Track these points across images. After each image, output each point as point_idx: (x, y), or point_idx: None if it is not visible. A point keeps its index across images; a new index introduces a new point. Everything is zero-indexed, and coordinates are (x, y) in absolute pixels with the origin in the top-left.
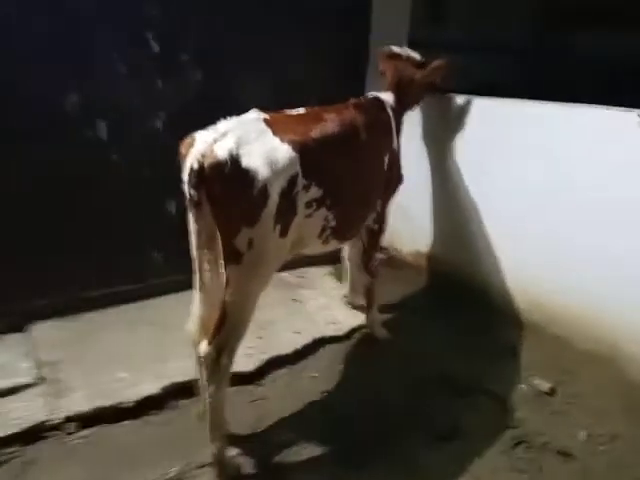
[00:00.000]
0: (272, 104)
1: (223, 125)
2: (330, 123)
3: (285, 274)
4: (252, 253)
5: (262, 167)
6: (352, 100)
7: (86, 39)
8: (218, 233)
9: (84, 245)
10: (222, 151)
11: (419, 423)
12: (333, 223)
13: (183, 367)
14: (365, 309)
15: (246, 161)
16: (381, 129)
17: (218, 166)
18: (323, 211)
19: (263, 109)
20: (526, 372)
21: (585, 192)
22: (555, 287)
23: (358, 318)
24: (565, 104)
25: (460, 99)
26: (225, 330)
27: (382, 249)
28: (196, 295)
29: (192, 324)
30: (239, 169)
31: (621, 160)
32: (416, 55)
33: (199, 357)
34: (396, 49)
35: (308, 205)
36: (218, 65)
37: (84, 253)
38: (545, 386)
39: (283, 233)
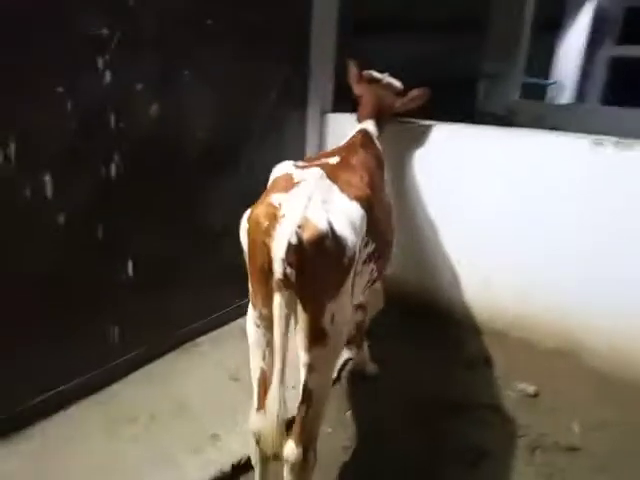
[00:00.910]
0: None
1: (284, 181)
2: (361, 172)
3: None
4: (334, 329)
5: (348, 231)
6: (355, 140)
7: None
8: (302, 314)
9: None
10: (321, 220)
11: (442, 452)
12: (375, 274)
13: None
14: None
15: (337, 227)
16: (381, 167)
17: (320, 238)
18: (371, 265)
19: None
20: (505, 378)
21: (537, 206)
22: (514, 293)
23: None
24: (520, 130)
25: (417, 125)
26: (310, 422)
27: None
28: (275, 390)
29: (265, 427)
30: (335, 238)
31: (576, 176)
32: (396, 82)
33: (290, 463)
34: (376, 74)
35: (364, 262)
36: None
37: (17, 346)
38: (530, 389)
39: (352, 298)
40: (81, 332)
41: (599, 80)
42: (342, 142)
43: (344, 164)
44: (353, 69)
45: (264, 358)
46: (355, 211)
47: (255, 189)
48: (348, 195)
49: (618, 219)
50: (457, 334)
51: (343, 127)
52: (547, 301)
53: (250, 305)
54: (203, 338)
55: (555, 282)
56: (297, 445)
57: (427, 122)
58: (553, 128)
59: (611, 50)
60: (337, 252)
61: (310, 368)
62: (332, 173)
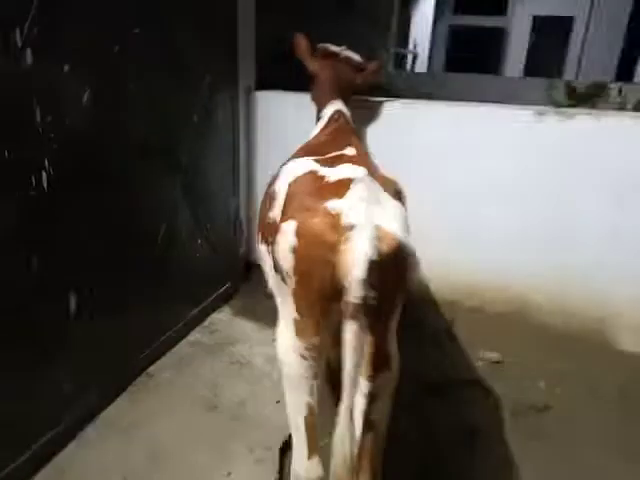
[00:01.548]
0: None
1: (317, 182)
2: (370, 163)
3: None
4: (395, 349)
5: (407, 237)
6: (341, 125)
7: None
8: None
9: None
10: (394, 228)
11: (435, 436)
12: None
13: None
14: None
15: (402, 234)
16: None
17: (398, 249)
18: None
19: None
20: (470, 349)
21: (485, 179)
22: (465, 265)
23: None
24: (469, 104)
25: (374, 102)
26: (376, 456)
27: None
28: (345, 429)
29: (335, 472)
30: (405, 246)
31: (518, 149)
32: (354, 55)
33: None
34: (333, 47)
35: None
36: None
37: None
38: (494, 356)
39: None
40: (22, 389)
41: (444, 48)
42: (316, 126)
43: (361, 156)
44: (303, 42)
45: (312, 393)
46: (402, 212)
47: (199, 188)
48: (392, 195)
49: (560, 185)
50: (416, 310)
51: (272, 106)
52: (493, 267)
53: (292, 334)
54: (161, 363)
55: (500, 248)
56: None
57: (378, 99)
58: (429, 97)
59: (451, 19)
60: (406, 263)
61: (373, 397)
62: (369, 171)
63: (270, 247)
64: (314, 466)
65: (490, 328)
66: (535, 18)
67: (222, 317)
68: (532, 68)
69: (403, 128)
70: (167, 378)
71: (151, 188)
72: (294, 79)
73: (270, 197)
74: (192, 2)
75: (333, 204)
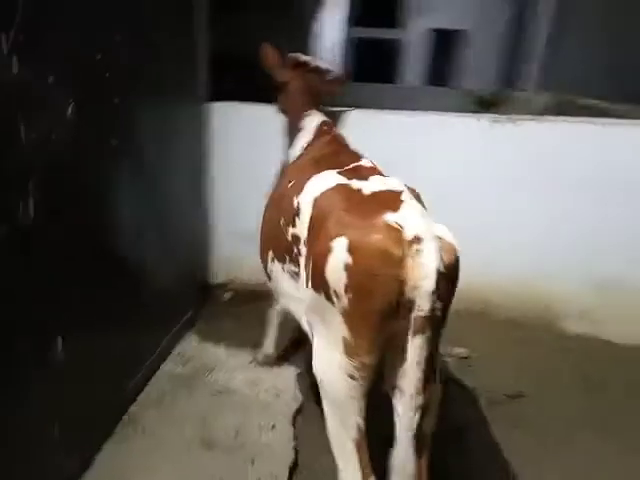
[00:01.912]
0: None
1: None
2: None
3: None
4: (439, 360)
5: None
6: (340, 136)
7: None
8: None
9: None
10: (452, 238)
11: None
12: None
13: None
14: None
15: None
16: None
17: (458, 259)
18: None
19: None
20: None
21: (446, 184)
22: None
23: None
24: (425, 113)
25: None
26: (429, 470)
27: (228, 290)
28: (409, 445)
29: None
30: (459, 257)
31: (478, 154)
32: (324, 64)
33: None
34: (303, 57)
35: None
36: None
37: None
38: (462, 352)
39: None
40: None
41: (350, 58)
42: (299, 138)
43: (377, 167)
44: (272, 52)
45: (360, 414)
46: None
47: (162, 208)
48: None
49: (514, 183)
50: None
51: (228, 118)
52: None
53: (340, 354)
54: (142, 402)
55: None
56: None
57: (345, 108)
58: (354, 105)
59: (354, 32)
60: (458, 272)
61: (425, 411)
62: None
63: (291, 265)
64: None
65: (456, 325)
66: (431, 31)
67: (191, 345)
68: (430, 78)
69: (358, 136)
70: (152, 418)
71: (121, 208)
72: (249, 90)
73: (286, 213)
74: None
75: (392, 218)
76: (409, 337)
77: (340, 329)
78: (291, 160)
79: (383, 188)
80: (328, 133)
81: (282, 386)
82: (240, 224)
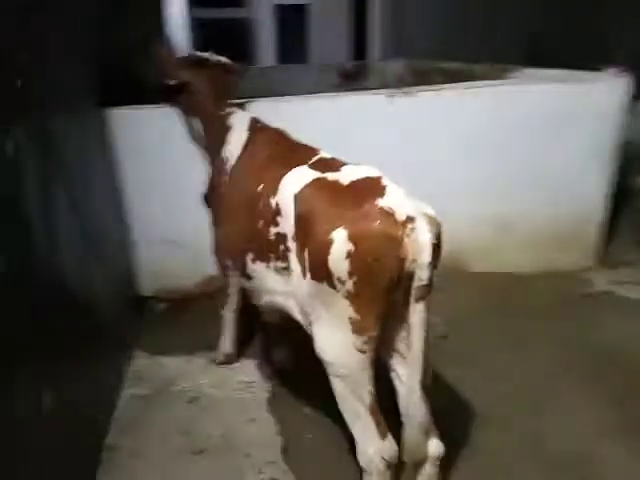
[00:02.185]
0: None
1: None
2: None
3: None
4: None
5: None
6: (283, 133)
7: None
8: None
9: None
10: (434, 214)
11: None
12: None
13: None
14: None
15: None
16: None
17: (441, 232)
18: None
19: None
20: None
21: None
22: None
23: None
24: (319, 96)
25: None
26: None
27: (161, 301)
28: (419, 398)
29: (410, 440)
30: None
31: (375, 130)
32: (224, 59)
33: (438, 458)
34: (202, 54)
35: None
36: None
37: None
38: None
39: None
40: None
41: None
42: (231, 137)
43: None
44: (165, 52)
45: (371, 381)
46: None
47: (88, 227)
48: None
49: (413, 151)
50: None
51: (130, 124)
52: None
53: (348, 333)
54: (116, 432)
55: None
56: (440, 439)
57: (243, 100)
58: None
59: (194, 13)
60: (441, 242)
61: (426, 365)
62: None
63: (278, 262)
64: (391, 444)
65: None
66: (277, 7)
67: (143, 362)
68: (283, 55)
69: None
70: (133, 442)
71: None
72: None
73: (264, 214)
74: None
75: (383, 203)
76: (411, 304)
77: (346, 311)
78: (232, 159)
79: (360, 176)
80: (267, 129)
81: (248, 379)
82: (162, 232)
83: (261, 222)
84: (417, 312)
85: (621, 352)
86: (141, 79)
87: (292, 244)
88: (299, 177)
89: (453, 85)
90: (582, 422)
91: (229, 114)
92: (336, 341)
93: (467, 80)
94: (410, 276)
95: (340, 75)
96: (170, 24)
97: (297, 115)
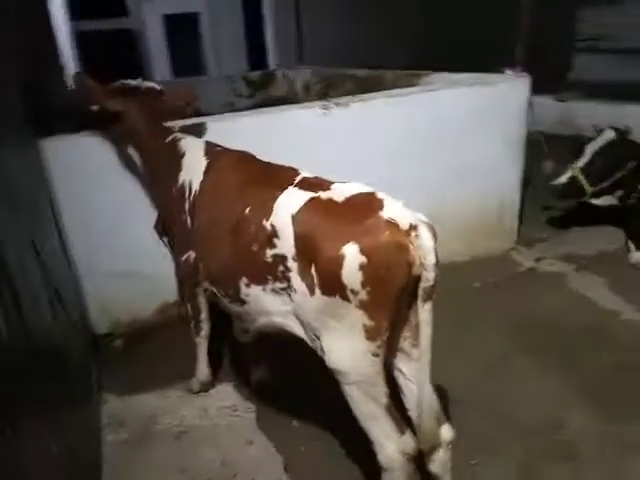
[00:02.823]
0: None
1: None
2: None
3: None
4: None
5: None
6: (249, 154)
7: None
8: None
9: None
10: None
11: None
12: None
13: None
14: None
15: None
16: None
17: (436, 235)
18: None
19: None
20: None
21: None
22: None
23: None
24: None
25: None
26: None
27: (118, 337)
28: (429, 390)
29: (425, 426)
30: None
31: (312, 142)
32: (154, 85)
33: (451, 442)
34: (132, 82)
35: None
36: None
37: None
38: None
39: None
40: None
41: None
42: (186, 162)
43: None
44: (92, 83)
45: (385, 382)
46: None
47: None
48: None
49: (348, 159)
50: None
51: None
52: None
53: (362, 340)
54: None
55: None
56: (450, 424)
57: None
58: None
59: (78, 26)
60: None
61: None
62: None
63: (277, 283)
64: (409, 438)
65: None
66: (166, 17)
67: (116, 405)
68: (177, 66)
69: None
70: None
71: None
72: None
73: (258, 238)
74: None
75: (385, 215)
76: (419, 304)
77: (359, 320)
78: (193, 185)
79: (353, 192)
80: (230, 152)
81: (230, 403)
82: (108, 263)
83: (255, 245)
84: (425, 311)
85: (557, 322)
86: (73, 109)
87: (293, 264)
88: (293, 198)
89: (380, 93)
90: (544, 391)
91: (176, 140)
92: (351, 350)
93: (378, 86)
94: (417, 279)
95: (248, 85)
96: (58, 39)
97: (229, 134)
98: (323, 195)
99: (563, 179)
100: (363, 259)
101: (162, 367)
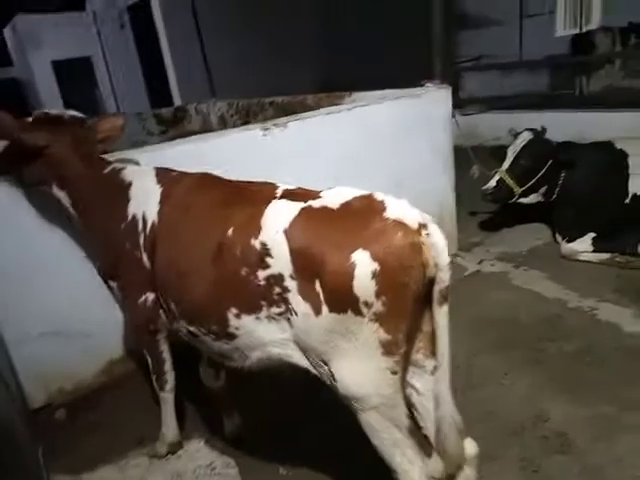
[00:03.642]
0: None
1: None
2: None
3: None
4: None
5: None
6: (209, 175)
7: None
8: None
9: None
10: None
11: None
12: None
13: None
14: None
15: None
16: None
17: None
18: None
19: None
20: None
21: None
22: None
23: None
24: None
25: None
26: None
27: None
28: (452, 406)
29: (452, 449)
30: None
31: (255, 163)
32: (76, 113)
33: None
34: (53, 111)
35: None
36: None
37: None
38: None
39: None
40: None
41: None
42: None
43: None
44: (6, 118)
45: (404, 402)
46: None
47: None
48: None
49: (291, 176)
50: None
51: None
52: None
53: (379, 358)
54: None
55: None
56: (471, 439)
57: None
58: None
59: None
60: None
61: (435, 369)
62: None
63: (273, 308)
64: (437, 460)
65: None
66: (56, 63)
67: None
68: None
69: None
70: None
71: None
72: None
73: (246, 260)
74: None
75: (391, 215)
76: (435, 308)
77: (374, 335)
78: (149, 216)
79: (348, 197)
80: (189, 175)
81: (206, 462)
82: (39, 325)
83: (244, 269)
84: (442, 314)
85: (514, 317)
86: None
87: (291, 283)
88: (282, 211)
89: (318, 112)
90: (521, 387)
91: (117, 170)
92: (367, 371)
93: (301, 110)
94: (431, 281)
95: (159, 122)
96: None
97: (167, 163)
98: (314, 204)
99: (492, 183)
100: (376, 266)
101: (116, 435)
